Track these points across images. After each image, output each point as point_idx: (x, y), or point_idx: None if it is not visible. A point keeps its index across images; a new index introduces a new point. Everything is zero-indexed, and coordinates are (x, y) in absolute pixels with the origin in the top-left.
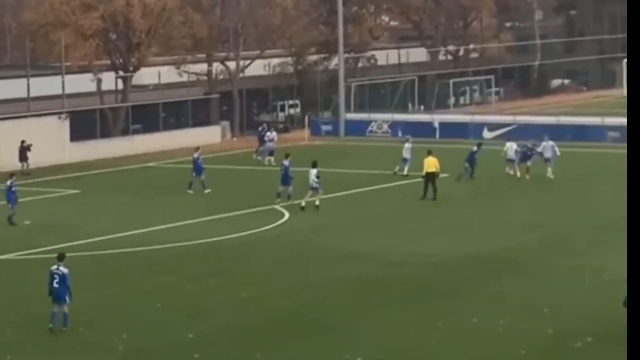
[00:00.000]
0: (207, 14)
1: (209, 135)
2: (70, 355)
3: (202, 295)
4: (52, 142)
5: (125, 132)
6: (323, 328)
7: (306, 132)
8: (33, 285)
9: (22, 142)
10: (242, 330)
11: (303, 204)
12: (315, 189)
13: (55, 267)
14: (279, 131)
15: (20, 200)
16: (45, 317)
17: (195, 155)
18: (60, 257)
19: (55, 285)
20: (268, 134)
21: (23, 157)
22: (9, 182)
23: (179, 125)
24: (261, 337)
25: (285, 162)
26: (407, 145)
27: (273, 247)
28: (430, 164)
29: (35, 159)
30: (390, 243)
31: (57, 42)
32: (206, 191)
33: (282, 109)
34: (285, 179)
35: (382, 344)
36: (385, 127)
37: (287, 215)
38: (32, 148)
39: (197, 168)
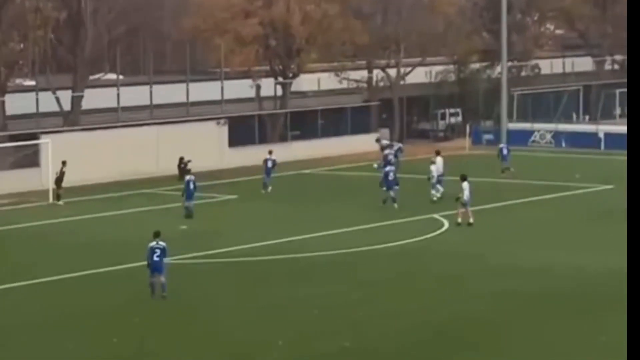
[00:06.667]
0: (368, 20)
1: (367, 143)
2: None
3: (358, 304)
4: (210, 148)
5: (283, 138)
6: (482, 342)
7: (467, 141)
8: (186, 289)
9: (181, 159)
10: (398, 341)
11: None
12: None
13: (154, 242)
14: (438, 139)
15: (178, 205)
16: (192, 322)
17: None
18: (157, 234)
19: (155, 258)
20: None
21: (183, 174)
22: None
23: (338, 132)
24: (418, 349)
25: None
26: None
27: (431, 257)
28: None
29: (194, 163)
30: (550, 256)
31: (216, 48)
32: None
33: (443, 117)
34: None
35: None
36: (548, 137)
37: (446, 224)
38: (190, 155)
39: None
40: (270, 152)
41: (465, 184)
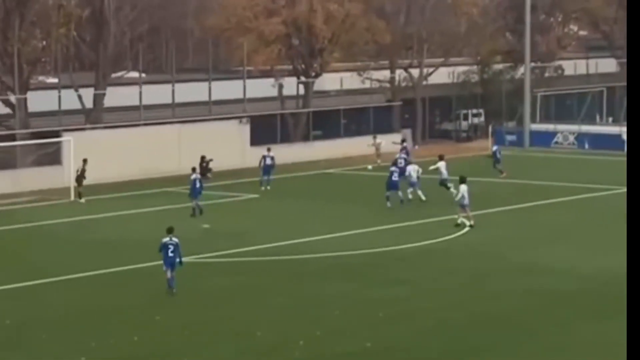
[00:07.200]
0: (391, 20)
1: (390, 143)
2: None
3: (380, 303)
4: (232, 146)
5: (305, 137)
6: (505, 342)
7: (490, 142)
8: (207, 287)
9: (203, 157)
10: (421, 341)
11: (459, 221)
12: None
13: (167, 238)
14: (460, 140)
15: (200, 203)
16: (219, 319)
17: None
18: (170, 230)
19: (170, 254)
20: None
21: (204, 172)
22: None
23: (360, 132)
24: (440, 349)
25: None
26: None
27: (454, 257)
28: None
29: (216, 162)
30: (575, 256)
31: (239, 47)
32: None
33: (465, 117)
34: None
35: None
36: (571, 138)
37: (468, 225)
38: (212, 154)
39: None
40: (268, 150)
41: (463, 187)
